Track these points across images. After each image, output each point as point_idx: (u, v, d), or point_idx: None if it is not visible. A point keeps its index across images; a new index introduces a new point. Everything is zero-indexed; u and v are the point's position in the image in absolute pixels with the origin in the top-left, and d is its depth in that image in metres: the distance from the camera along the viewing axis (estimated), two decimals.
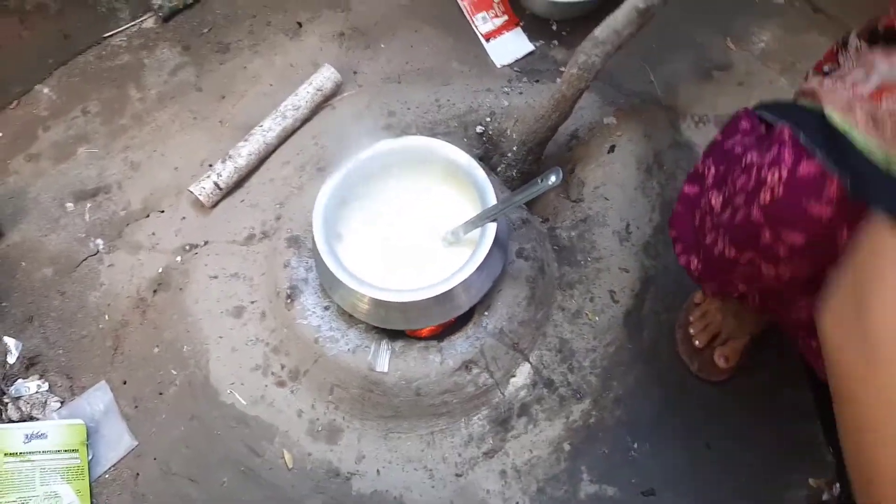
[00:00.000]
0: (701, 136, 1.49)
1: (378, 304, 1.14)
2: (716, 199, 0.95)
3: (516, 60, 1.62)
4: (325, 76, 1.56)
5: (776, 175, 0.78)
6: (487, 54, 1.64)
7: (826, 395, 0.68)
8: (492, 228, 1.14)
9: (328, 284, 1.21)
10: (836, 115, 0.76)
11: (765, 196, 0.80)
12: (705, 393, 1.26)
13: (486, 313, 1.23)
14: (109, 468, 1.30)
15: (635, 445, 1.24)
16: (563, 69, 1.57)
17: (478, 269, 1.12)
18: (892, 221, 0.63)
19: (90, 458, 1.30)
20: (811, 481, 1.18)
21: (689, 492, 1.19)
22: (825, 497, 1.16)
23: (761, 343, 1.26)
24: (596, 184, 1.43)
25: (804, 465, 1.19)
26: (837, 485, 1.17)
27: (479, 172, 1.18)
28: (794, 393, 1.24)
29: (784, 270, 0.85)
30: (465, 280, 1.12)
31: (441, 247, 1.22)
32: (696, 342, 1.26)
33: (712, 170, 0.99)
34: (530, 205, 1.46)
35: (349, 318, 1.24)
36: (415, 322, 1.17)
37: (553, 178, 1.04)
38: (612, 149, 1.46)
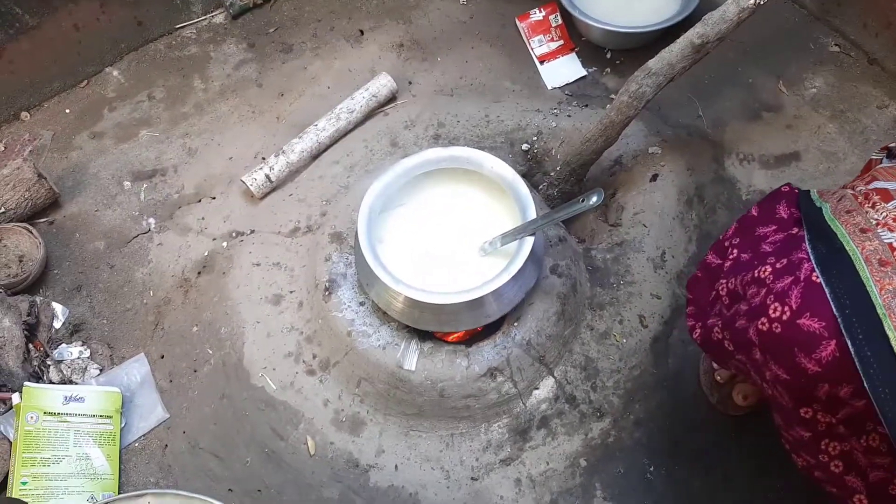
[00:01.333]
0: (744, 174, 1.51)
1: (413, 303, 1.18)
2: (726, 291, 0.95)
3: (567, 84, 1.66)
4: (382, 83, 1.62)
5: (779, 312, 0.79)
6: (540, 76, 1.68)
7: None
8: (529, 242, 1.17)
9: (366, 281, 1.25)
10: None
11: (763, 325, 0.82)
12: (725, 426, 1.27)
13: (515, 324, 1.26)
14: (140, 437, 1.35)
15: (651, 468, 1.25)
16: (612, 96, 1.61)
17: (511, 279, 1.15)
18: None
19: (123, 425, 1.36)
20: None
21: None
22: None
23: None
24: (636, 210, 1.45)
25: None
26: None
27: (523, 187, 1.22)
28: None
29: (767, 388, 0.88)
30: (498, 289, 1.15)
31: (478, 256, 1.25)
32: (718, 377, 1.27)
33: (735, 252, 0.99)
34: (568, 224, 1.49)
35: (383, 316, 1.28)
36: (446, 325, 1.21)
37: (595, 199, 1.07)
38: (654, 178, 1.48)
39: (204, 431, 1.34)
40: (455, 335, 1.27)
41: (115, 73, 1.80)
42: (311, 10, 1.85)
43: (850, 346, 0.73)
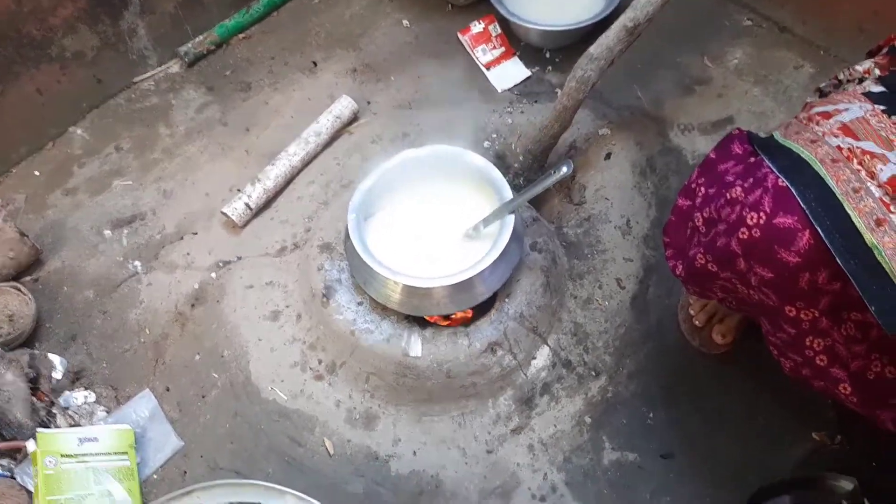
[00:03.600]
0: (687, 142, 1.65)
1: (411, 292, 1.25)
2: (702, 221, 1.07)
3: (515, 85, 1.79)
4: (343, 105, 1.71)
5: (755, 219, 0.92)
6: (489, 81, 1.80)
7: None
8: (510, 220, 1.27)
9: (362, 280, 1.32)
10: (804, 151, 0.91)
11: (743, 234, 0.94)
12: (711, 365, 1.37)
13: (506, 300, 1.35)
14: (158, 468, 1.37)
15: (651, 415, 1.34)
16: (558, 90, 1.74)
17: (500, 255, 1.25)
18: None
19: (139, 461, 1.38)
20: (814, 435, 1.29)
21: (705, 452, 1.29)
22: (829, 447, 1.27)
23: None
24: (596, 187, 1.57)
25: (808, 422, 1.30)
26: (839, 436, 1.27)
27: (496, 172, 1.32)
28: None
29: (754, 294, 0.99)
30: (490, 265, 1.24)
31: (465, 242, 1.34)
32: (696, 322, 1.38)
33: (703, 190, 1.10)
34: (538, 209, 1.59)
35: (382, 311, 1.35)
36: (445, 308, 1.28)
37: (565, 169, 1.18)
38: (608, 156, 1.61)
39: (222, 451, 1.37)
40: (454, 317, 1.34)
41: (79, 131, 1.84)
42: (263, 49, 1.94)
43: (820, 232, 0.84)
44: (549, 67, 1.82)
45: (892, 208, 0.84)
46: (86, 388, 1.47)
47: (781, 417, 1.31)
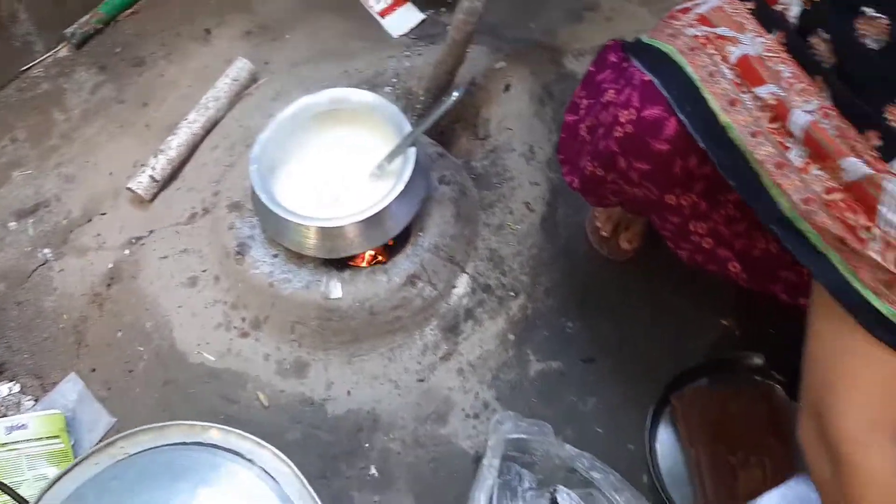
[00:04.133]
0: (582, 67, 1.69)
1: (324, 234, 1.27)
2: (586, 130, 1.13)
3: (411, 29, 1.80)
4: (240, 67, 1.70)
5: (627, 116, 0.97)
6: (385, 29, 1.81)
7: None
8: (412, 153, 1.30)
9: (273, 230, 1.33)
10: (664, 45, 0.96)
11: (618, 132, 0.99)
12: (621, 271, 1.44)
13: (420, 233, 1.37)
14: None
15: (569, 325, 1.39)
16: None
17: (407, 188, 1.27)
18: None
19: (73, 443, 1.36)
20: (723, 321, 1.37)
21: (624, 353, 1.36)
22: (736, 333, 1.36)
23: None
24: (498, 119, 1.61)
25: (715, 310, 1.38)
26: (742, 320, 1.36)
27: (391, 107, 1.34)
28: None
29: (638, 191, 1.05)
30: (397, 198, 1.26)
31: (371, 182, 1.36)
32: (603, 232, 1.44)
33: (584, 101, 1.16)
34: (447, 149, 1.62)
35: (299, 260, 1.36)
36: (360, 246, 1.30)
37: (456, 94, 1.22)
38: (507, 88, 1.65)
39: (156, 421, 1.34)
40: (371, 256, 1.36)
41: None
42: (152, 23, 1.90)
43: (682, 117, 0.89)
44: (443, 9, 1.84)
45: (742, 89, 0.89)
46: (10, 381, 1.44)
47: (689, 310, 1.38)
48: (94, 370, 1.44)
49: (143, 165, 1.61)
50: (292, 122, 1.36)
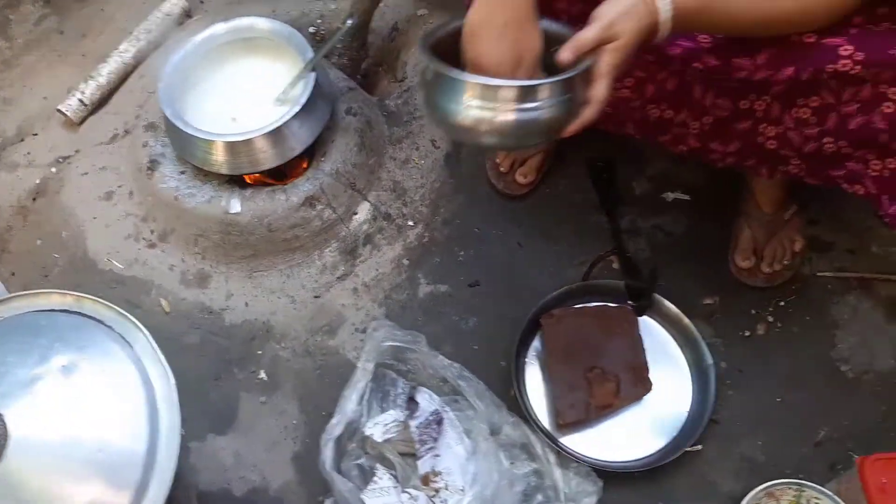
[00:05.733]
0: None
1: (227, 149, 1.35)
2: None
3: None
4: (173, 3, 1.77)
5: None
6: None
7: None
8: (311, 77, 1.37)
9: (181, 147, 1.41)
10: None
11: None
12: (516, 207, 1.52)
13: (322, 158, 1.45)
14: None
15: (462, 252, 1.48)
16: None
17: (307, 110, 1.35)
18: None
19: None
20: (601, 253, 1.45)
21: (506, 278, 1.44)
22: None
23: (556, 162, 1.54)
24: (415, 62, 1.68)
25: (594, 245, 1.46)
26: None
27: (297, 35, 1.42)
28: (585, 196, 1.51)
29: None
30: (297, 117, 1.34)
31: (276, 107, 1.43)
32: (502, 168, 1.52)
33: None
34: (370, 91, 1.70)
35: (204, 177, 1.43)
36: (260, 165, 1.38)
37: (349, 21, 1.30)
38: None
39: None
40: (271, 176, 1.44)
41: None
42: None
43: None
44: None
45: None
46: None
47: (573, 245, 1.47)
48: (13, 274, 1.52)
49: (74, 90, 1.68)
50: (205, 47, 1.44)
